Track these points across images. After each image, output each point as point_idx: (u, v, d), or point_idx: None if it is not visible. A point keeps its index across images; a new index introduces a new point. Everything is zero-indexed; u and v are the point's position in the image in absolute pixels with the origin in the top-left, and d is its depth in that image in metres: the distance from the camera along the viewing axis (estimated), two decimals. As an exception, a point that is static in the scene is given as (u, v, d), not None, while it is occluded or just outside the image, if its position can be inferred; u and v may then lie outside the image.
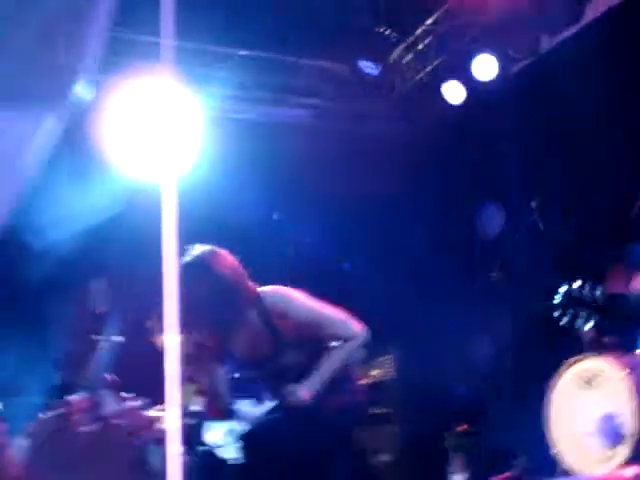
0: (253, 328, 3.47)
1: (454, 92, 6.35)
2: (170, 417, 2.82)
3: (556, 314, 2.77)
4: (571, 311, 2.78)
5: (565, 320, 2.78)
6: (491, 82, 6.19)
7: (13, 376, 4.50)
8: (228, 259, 3.48)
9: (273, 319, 3.43)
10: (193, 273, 3.29)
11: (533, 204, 5.30)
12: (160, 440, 2.05)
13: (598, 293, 2.76)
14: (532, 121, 5.95)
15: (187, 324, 3.00)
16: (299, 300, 3.48)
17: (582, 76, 5.36)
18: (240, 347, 3.53)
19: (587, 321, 2.75)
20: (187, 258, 3.40)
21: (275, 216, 5.99)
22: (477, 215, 6.14)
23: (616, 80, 5.21)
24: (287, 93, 6.60)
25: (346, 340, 3.41)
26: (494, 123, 6.08)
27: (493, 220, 6.04)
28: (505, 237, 5.97)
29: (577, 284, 2.80)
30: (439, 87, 6.38)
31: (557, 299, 2.79)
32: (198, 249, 3.45)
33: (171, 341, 2.85)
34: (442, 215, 6.40)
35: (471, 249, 6.12)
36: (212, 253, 3.46)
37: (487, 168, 6.14)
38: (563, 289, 2.79)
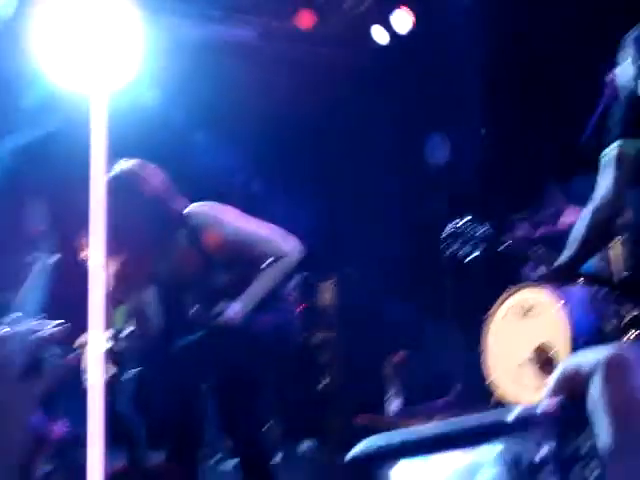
0: (181, 247, 3.35)
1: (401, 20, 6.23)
2: (93, 340, 2.75)
3: (442, 246, 2.96)
4: (454, 244, 2.96)
5: (448, 252, 2.96)
6: (445, 8, 6.06)
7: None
8: (157, 174, 3.35)
9: (201, 237, 3.30)
10: (120, 187, 3.14)
11: (482, 131, 5.26)
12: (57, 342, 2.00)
13: (481, 230, 2.92)
14: (484, 44, 5.85)
15: (114, 242, 2.91)
16: (229, 217, 3.35)
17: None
18: (168, 267, 3.40)
19: (469, 254, 2.91)
20: (114, 172, 3.26)
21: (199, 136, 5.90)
22: (425, 143, 6.09)
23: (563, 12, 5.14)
24: (236, 11, 6.38)
25: (279, 259, 3.28)
26: (448, 54, 5.97)
27: (440, 148, 6.01)
28: (452, 166, 5.95)
29: (464, 220, 2.99)
30: (391, 10, 6.24)
31: (444, 233, 2.98)
32: (125, 163, 3.31)
33: (96, 262, 2.76)
34: (390, 139, 6.33)
35: (417, 177, 6.09)
36: (140, 167, 3.33)
37: (437, 95, 6.06)
38: (450, 225, 2.99)
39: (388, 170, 6.13)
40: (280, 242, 3.31)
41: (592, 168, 3.46)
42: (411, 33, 6.26)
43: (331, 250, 5.58)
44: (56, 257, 5.26)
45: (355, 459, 0.96)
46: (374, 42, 6.43)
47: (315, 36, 6.58)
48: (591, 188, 2.60)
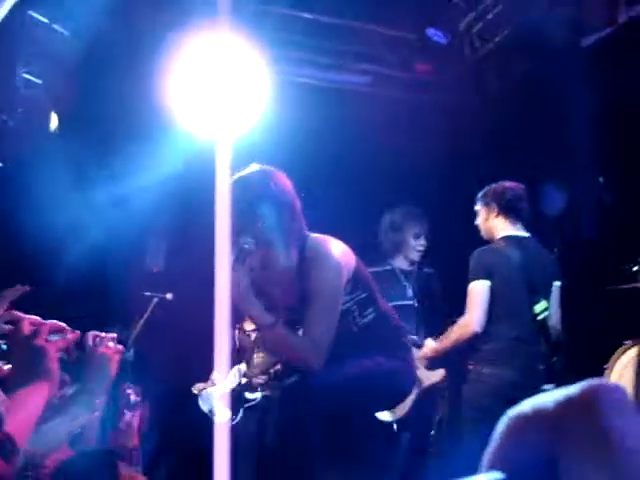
0: (288, 267, 3.12)
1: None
2: (219, 382, 2.79)
3: None
4: None
5: None
6: (563, 53, 5.99)
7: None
8: (288, 181, 3.19)
9: (311, 271, 3.05)
10: (254, 182, 3.05)
11: (601, 179, 5.14)
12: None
13: None
14: (605, 96, 5.75)
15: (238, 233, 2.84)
16: (330, 273, 3.03)
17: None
18: (274, 282, 3.17)
19: None
20: (246, 171, 3.14)
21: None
22: (541, 190, 5.99)
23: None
24: (351, 59, 6.49)
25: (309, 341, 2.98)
26: (563, 97, 5.89)
27: (555, 197, 5.89)
28: (569, 213, 5.82)
29: None
30: (509, 57, 6.21)
31: None
32: (257, 166, 3.17)
33: (222, 317, 2.80)
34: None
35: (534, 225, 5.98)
36: (274, 170, 3.18)
37: (555, 142, 5.97)
38: None
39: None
40: (313, 351, 2.98)
41: None
42: (524, 80, 6.22)
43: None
44: (171, 296, 5.43)
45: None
46: (489, 89, 6.42)
47: (430, 83, 6.63)
48: None
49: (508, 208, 4.18)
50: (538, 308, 4.03)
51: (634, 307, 5.26)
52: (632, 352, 4.92)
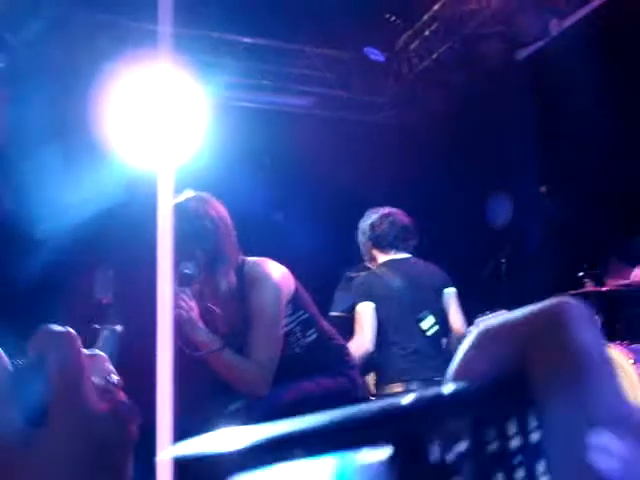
0: (229, 291, 3.08)
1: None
2: (161, 411, 2.75)
3: None
4: None
5: None
6: (499, 67, 6.10)
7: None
8: (222, 207, 3.19)
9: (249, 293, 3.04)
10: (189, 209, 3.04)
11: (542, 189, 5.23)
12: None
13: None
14: (542, 107, 5.86)
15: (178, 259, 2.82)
16: (268, 294, 3.03)
17: (593, 60, 5.28)
18: (216, 307, 3.14)
19: None
20: (181, 198, 3.11)
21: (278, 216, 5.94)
22: (486, 203, 6.07)
23: (626, 67, 5.14)
24: (291, 81, 6.52)
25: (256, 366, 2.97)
26: (502, 109, 6.00)
27: (502, 208, 5.98)
28: (515, 224, 5.91)
29: None
30: (446, 74, 6.31)
31: None
32: (191, 192, 3.16)
33: (164, 339, 2.77)
34: (450, 202, 6.33)
35: (480, 237, 6.05)
36: (208, 196, 3.18)
37: (495, 155, 6.06)
38: None
39: (448, 231, 6.12)
40: (260, 374, 2.97)
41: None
42: (463, 94, 6.31)
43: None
44: (121, 328, 5.35)
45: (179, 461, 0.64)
46: (428, 105, 6.50)
47: (370, 102, 6.69)
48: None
49: (380, 242, 4.32)
50: (425, 325, 4.14)
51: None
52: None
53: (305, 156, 5.99)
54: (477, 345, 0.62)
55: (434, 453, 0.57)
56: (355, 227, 4.53)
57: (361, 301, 4.16)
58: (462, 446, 0.57)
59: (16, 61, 5.12)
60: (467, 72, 6.35)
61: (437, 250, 5.01)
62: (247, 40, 6.23)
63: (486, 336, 0.62)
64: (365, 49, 6.41)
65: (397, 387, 4.07)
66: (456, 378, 0.63)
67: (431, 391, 0.60)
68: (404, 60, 6.61)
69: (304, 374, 3.15)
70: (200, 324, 2.95)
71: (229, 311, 3.13)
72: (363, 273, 4.43)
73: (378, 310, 4.14)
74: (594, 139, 5.42)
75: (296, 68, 6.43)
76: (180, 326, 2.88)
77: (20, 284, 4.76)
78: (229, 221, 3.17)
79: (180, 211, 2.96)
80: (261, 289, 3.03)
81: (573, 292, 5.32)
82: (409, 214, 4.45)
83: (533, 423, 0.57)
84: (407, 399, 0.58)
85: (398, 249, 4.33)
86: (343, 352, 3.38)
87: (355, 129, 6.52)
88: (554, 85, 5.69)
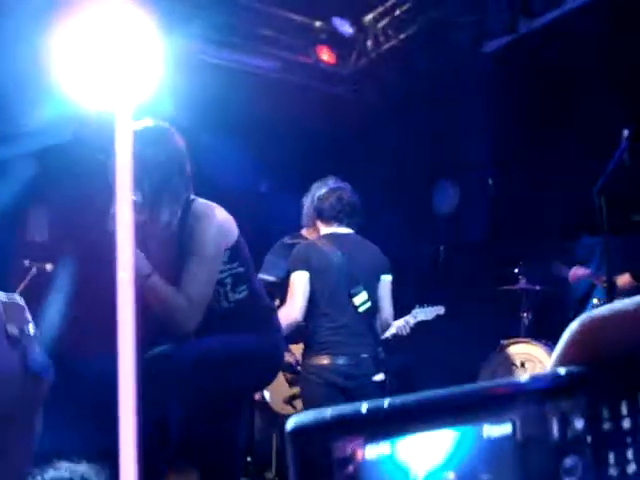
0: (170, 224, 3.05)
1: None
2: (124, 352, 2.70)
3: None
4: None
5: None
6: (464, 56, 6.12)
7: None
8: (182, 141, 3.14)
9: (192, 231, 3.00)
10: (147, 136, 2.99)
11: (490, 181, 5.29)
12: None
13: None
14: (499, 100, 5.91)
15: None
16: (212, 231, 3.01)
17: (558, 58, 5.34)
18: (154, 239, 3.09)
19: None
20: (140, 125, 3.04)
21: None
22: (433, 188, 6.12)
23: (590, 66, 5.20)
24: (260, 42, 6.43)
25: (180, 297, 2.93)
26: (462, 99, 6.02)
27: (449, 195, 6.02)
28: (459, 213, 5.96)
29: None
30: (411, 55, 6.30)
31: None
32: (151, 121, 3.09)
33: (125, 280, 2.70)
34: (397, 185, 6.35)
35: (423, 222, 6.10)
36: (169, 127, 3.13)
37: (447, 143, 6.10)
38: None
39: (393, 215, 6.15)
40: (188, 308, 2.94)
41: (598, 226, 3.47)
42: (424, 74, 6.32)
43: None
44: (51, 267, 5.25)
45: (300, 431, 0.64)
46: (389, 83, 6.50)
47: (332, 73, 6.65)
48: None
49: (324, 214, 4.33)
50: (358, 300, 4.18)
51: (512, 308, 5.44)
52: (508, 351, 5.09)
53: (261, 118, 5.93)
54: (583, 332, 0.65)
55: (554, 430, 0.61)
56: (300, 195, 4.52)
57: (297, 270, 4.15)
58: (579, 424, 0.61)
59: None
60: (432, 57, 6.35)
61: (378, 229, 5.04)
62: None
63: (592, 324, 0.64)
64: (334, 20, 6.35)
65: (324, 359, 4.08)
66: (562, 363, 0.65)
67: (548, 372, 0.63)
68: (371, 36, 6.58)
69: (228, 330, 3.12)
70: (134, 247, 2.86)
71: (166, 245, 3.08)
72: (301, 241, 4.42)
73: (313, 281, 4.13)
74: (547, 139, 5.49)
75: (264, 29, 6.34)
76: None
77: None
78: (184, 156, 3.12)
79: (138, 134, 2.91)
80: (204, 226, 3.00)
81: (506, 287, 5.43)
82: (354, 189, 4.45)
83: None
84: (526, 377, 0.62)
85: (342, 223, 4.34)
86: (270, 315, 3.36)
87: (314, 98, 6.48)
88: (516, 81, 5.73)
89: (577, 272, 5.13)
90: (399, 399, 0.64)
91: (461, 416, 0.63)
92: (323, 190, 4.37)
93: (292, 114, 6.02)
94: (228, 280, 3.12)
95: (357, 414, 0.64)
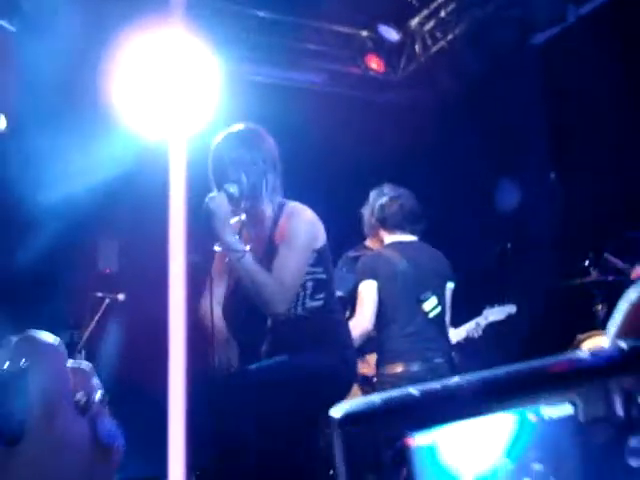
0: (265, 219, 3.22)
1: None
2: (174, 380, 2.73)
3: None
4: None
5: None
6: (514, 51, 6.06)
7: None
8: (275, 146, 3.33)
9: (279, 224, 3.17)
10: (247, 135, 3.24)
11: (552, 175, 5.21)
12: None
13: None
14: (554, 93, 5.83)
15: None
16: (303, 226, 3.14)
17: (608, 48, 5.24)
18: (248, 231, 3.27)
19: None
20: (237, 128, 3.29)
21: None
22: (495, 187, 6.05)
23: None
24: (305, 57, 6.48)
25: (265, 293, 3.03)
26: (515, 93, 5.95)
27: (511, 192, 5.95)
28: (523, 209, 5.89)
29: None
30: (460, 55, 6.26)
31: None
32: (244, 124, 3.33)
33: (176, 303, 2.75)
34: (458, 185, 6.31)
35: (487, 220, 6.04)
36: (265, 132, 3.34)
37: (505, 139, 6.03)
38: None
39: (456, 214, 6.11)
40: (279, 290, 3.04)
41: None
42: (476, 77, 6.27)
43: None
44: (123, 297, 5.36)
45: (349, 419, 0.62)
46: (441, 86, 6.46)
47: (382, 81, 6.65)
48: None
49: (387, 223, 4.31)
50: (428, 306, 4.13)
51: (585, 301, 5.34)
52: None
53: (317, 132, 5.96)
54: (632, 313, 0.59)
55: (617, 409, 0.58)
56: (361, 206, 4.51)
57: (364, 279, 4.15)
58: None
59: (28, 27, 5.08)
60: (481, 55, 6.30)
61: (443, 232, 5.01)
62: (262, 14, 6.18)
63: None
64: (380, 27, 6.36)
65: (398, 367, 4.05)
66: (622, 335, 0.60)
67: (609, 347, 0.59)
68: (418, 40, 6.56)
69: (299, 339, 3.15)
70: (230, 226, 3.04)
71: (259, 239, 3.21)
72: (365, 252, 4.42)
73: (381, 289, 4.12)
74: (606, 128, 5.39)
75: (310, 44, 6.39)
76: (212, 224, 2.98)
77: (25, 253, 4.76)
78: (277, 155, 3.28)
79: (233, 137, 3.22)
80: (298, 220, 3.14)
81: (579, 280, 5.33)
82: (417, 195, 4.43)
83: None
84: (586, 353, 0.59)
85: (405, 231, 4.33)
86: (343, 330, 3.34)
87: (367, 108, 6.49)
88: (568, 71, 5.64)
89: (638, 271, 5.02)
90: (452, 381, 0.63)
91: (517, 398, 0.61)
92: (383, 199, 4.36)
93: (345, 126, 6.03)
94: (309, 284, 3.16)
95: (408, 398, 0.63)
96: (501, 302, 4.74)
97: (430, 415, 0.60)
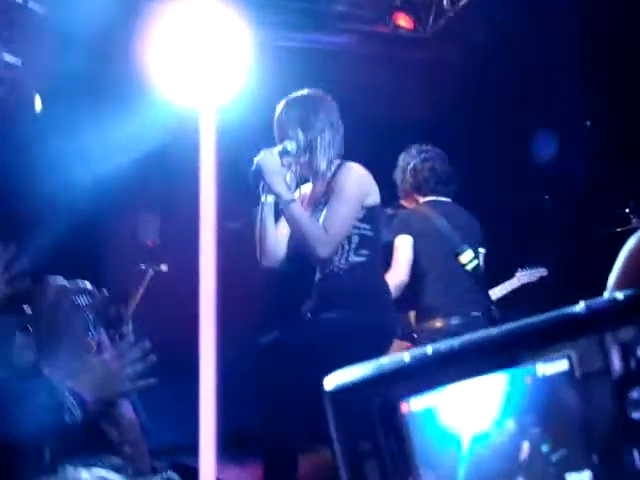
0: (320, 177, 3.38)
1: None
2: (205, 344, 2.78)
3: None
4: None
5: None
6: (544, 1, 5.95)
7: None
8: (337, 111, 3.48)
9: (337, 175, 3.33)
10: (311, 97, 3.42)
11: (587, 123, 5.14)
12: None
13: None
14: (589, 42, 5.72)
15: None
16: (354, 179, 3.29)
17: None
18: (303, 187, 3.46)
19: None
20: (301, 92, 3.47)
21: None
22: (529, 141, 5.99)
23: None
24: (333, 19, 6.43)
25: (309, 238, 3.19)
26: (547, 44, 5.86)
27: (547, 143, 5.89)
28: (559, 160, 5.83)
29: None
30: (490, 7, 6.16)
31: None
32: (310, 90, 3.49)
33: (206, 279, 2.79)
34: (493, 139, 6.25)
35: (523, 173, 5.99)
36: (329, 98, 3.50)
37: (538, 91, 5.95)
38: None
39: (491, 169, 6.06)
40: (324, 237, 3.18)
41: None
42: (507, 28, 6.17)
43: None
44: (166, 267, 5.44)
45: (341, 392, 0.61)
46: (472, 40, 6.38)
47: (412, 39, 6.58)
48: None
49: (421, 188, 4.31)
50: (465, 258, 4.13)
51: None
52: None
53: (348, 94, 5.92)
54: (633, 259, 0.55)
55: (615, 362, 0.56)
56: (395, 166, 4.51)
57: (399, 234, 4.17)
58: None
59: (57, 3, 5.12)
60: (511, 7, 6.19)
61: (476, 192, 4.99)
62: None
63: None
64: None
65: (437, 322, 4.08)
66: (620, 286, 0.58)
67: (605, 298, 0.57)
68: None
69: (342, 295, 3.24)
70: (281, 174, 3.20)
71: (316, 191, 3.39)
72: (402, 211, 4.43)
73: (416, 244, 4.14)
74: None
75: (339, 5, 6.34)
76: (264, 170, 3.16)
77: (67, 227, 4.84)
78: (336, 119, 3.42)
79: (294, 99, 3.42)
80: (349, 174, 3.29)
81: (620, 229, 5.27)
82: (449, 154, 4.41)
83: None
84: (580, 306, 0.57)
85: (439, 194, 4.33)
86: (383, 289, 3.41)
87: (397, 66, 6.43)
88: (602, 20, 5.54)
89: None
90: (443, 344, 0.60)
91: (511, 356, 0.58)
92: (413, 162, 4.35)
93: (376, 86, 5.99)
94: (355, 238, 3.27)
95: (399, 365, 0.61)
96: (533, 265, 4.75)
97: (423, 380, 0.60)
